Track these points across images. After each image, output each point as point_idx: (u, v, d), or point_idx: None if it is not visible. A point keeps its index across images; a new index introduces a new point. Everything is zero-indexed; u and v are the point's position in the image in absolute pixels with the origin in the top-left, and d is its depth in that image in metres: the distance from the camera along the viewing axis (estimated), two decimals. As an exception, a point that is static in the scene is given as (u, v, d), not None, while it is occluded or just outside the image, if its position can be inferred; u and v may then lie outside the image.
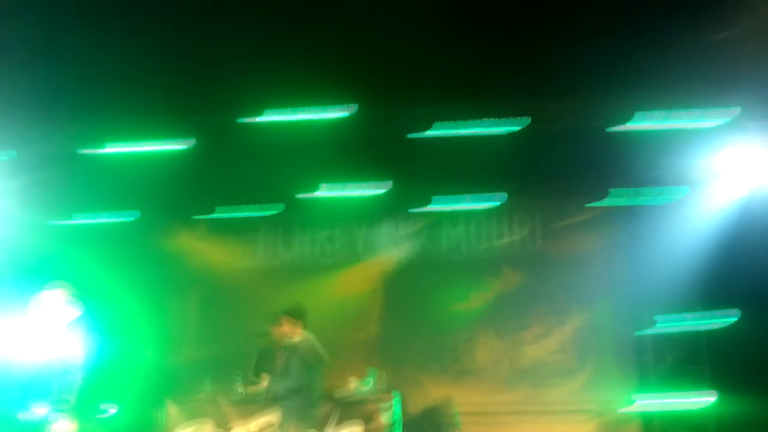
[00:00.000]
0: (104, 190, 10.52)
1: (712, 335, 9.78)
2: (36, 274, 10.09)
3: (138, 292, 10.62)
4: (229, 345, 10.58)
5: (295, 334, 7.46)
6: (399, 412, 7.54)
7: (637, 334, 10.43)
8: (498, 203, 11.12)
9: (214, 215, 11.54)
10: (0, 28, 8.01)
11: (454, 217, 11.45)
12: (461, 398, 9.92)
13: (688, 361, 9.88)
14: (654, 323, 10.16)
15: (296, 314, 7.59)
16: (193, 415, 7.49)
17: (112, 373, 9.14)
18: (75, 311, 6.18)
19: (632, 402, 10.23)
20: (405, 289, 11.29)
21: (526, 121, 9.32)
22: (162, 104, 9.61)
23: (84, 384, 6.08)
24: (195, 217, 11.62)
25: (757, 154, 9.23)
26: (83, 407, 6.47)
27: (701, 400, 9.52)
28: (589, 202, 11.01)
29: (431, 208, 11.28)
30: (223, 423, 7.42)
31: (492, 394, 10.71)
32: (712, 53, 8.19)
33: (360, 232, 11.66)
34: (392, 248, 11.51)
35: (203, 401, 7.58)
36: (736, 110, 8.93)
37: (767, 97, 8.78)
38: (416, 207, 11.35)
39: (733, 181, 9.71)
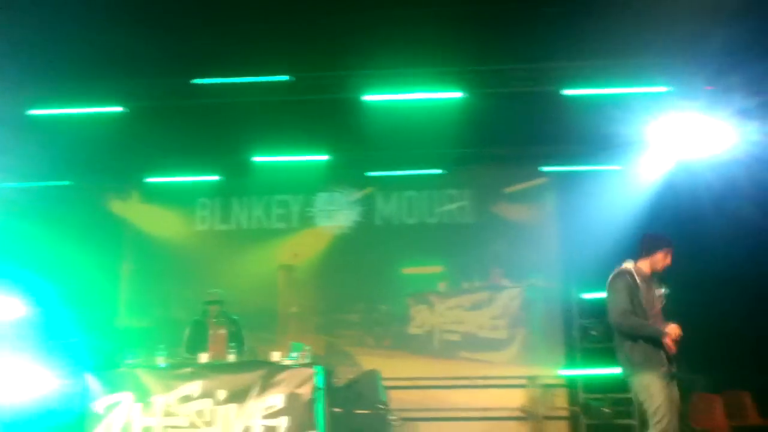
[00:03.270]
0: (40, 154, 10.06)
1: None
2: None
3: (72, 258, 10.11)
4: (160, 314, 10.45)
5: None
6: (323, 384, 7.35)
7: (568, 305, 10.26)
8: (442, 169, 10.98)
9: (153, 180, 11.17)
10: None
11: (396, 184, 11.13)
12: (393, 369, 9.67)
13: (611, 333, 9.78)
14: (583, 296, 9.96)
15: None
16: (113, 387, 7.27)
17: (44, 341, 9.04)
18: None
19: (562, 372, 10.12)
20: (342, 259, 11.01)
21: (467, 85, 9.18)
22: (100, 67, 9.31)
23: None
24: (132, 182, 11.22)
25: (690, 123, 9.04)
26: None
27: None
28: (530, 169, 10.88)
29: (374, 174, 11.04)
30: (142, 395, 7.22)
31: (424, 365, 10.46)
32: (657, 21, 8.02)
33: (303, 199, 11.24)
34: (335, 215, 11.13)
35: (125, 373, 7.36)
36: (671, 77, 8.83)
37: (702, 66, 8.71)
38: (361, 173, 11.08)
39: (667, 150, 9.56)
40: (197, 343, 8.00)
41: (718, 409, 8.84)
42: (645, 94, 8.93)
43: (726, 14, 7.49)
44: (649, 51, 8.61)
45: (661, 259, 5.79)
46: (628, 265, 5.78)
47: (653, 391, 5.35)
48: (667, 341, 5.40)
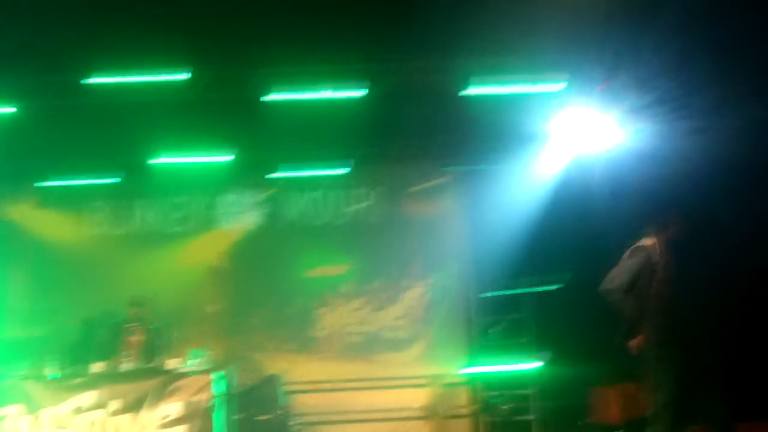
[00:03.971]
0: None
1: (538, 304, 9.80)
2: None
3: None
4: (55, 323, 9.92)
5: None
6: (225, 388, 7.27)
7: (468, 303, 10.40)
8: (346, 169, 10.93)
9: (50, 184, 10.74)
10: None
11: (301, 183, 11.03)
12: (296, 373, 9.67)
13: (516, 329, 9.84)
14: (486, 292, 10.10)
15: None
16: (1, 400, 7.02)
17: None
18: None
19: (463, 370, 10.18)
20: (242, 263, 10.90)
21: (369, 83, 9.19)
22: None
23: None
24: (25, 186, 10.76)
25: (585, 120, 9.36)
26: None
27: (527, 367, 9.56)
28: (432, 168, 11.00)
29: (279, 174, 10.88)
30: (33, 408, 6.99)
31: (328, 367, 10.44)
32: (553, 19, 8.23)
33: (205, 200, 11.03)
34: (238, 217, 10.98)
35: (13, 385, 7.11)
36: (567, 75, 9.03)
37: (595, 65, 8.98)
38: (264, 174, 10.91)
39: (564, 147, 9.83)
40: (110, 347, 7.82)
41: (612, 402, 9.15)
42: (542, 93, 9.19)
43: (618, 14, 7.77)
44: (546, 48, 8.84)
45: (673, 232, 5.88)
46: (647, 241, 5.86)
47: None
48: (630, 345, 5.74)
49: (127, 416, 6.83)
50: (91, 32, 8.26)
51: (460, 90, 9.11)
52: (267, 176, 10.92)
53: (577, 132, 9.49)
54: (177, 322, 10.01)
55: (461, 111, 9.44)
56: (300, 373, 9.84)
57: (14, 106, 9.07)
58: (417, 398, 10.09)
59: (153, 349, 7.96)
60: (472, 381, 10.07)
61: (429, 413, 10.02)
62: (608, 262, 9.63)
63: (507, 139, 10.13)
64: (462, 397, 10.17)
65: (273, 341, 10.60)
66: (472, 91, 9.09)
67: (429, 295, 10.72)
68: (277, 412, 7.88)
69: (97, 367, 7.14)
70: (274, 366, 9.88)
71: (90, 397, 6.89)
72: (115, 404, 6.88)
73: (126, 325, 8.08)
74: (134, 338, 7.94)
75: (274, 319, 10.68)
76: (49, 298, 10.38)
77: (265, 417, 7.81)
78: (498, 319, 9.75)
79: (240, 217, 10.98)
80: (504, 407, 9.35)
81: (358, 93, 9.05)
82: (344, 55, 8.89)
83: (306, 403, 9.61)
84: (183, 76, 8.84)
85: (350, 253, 10.91)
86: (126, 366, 7.22)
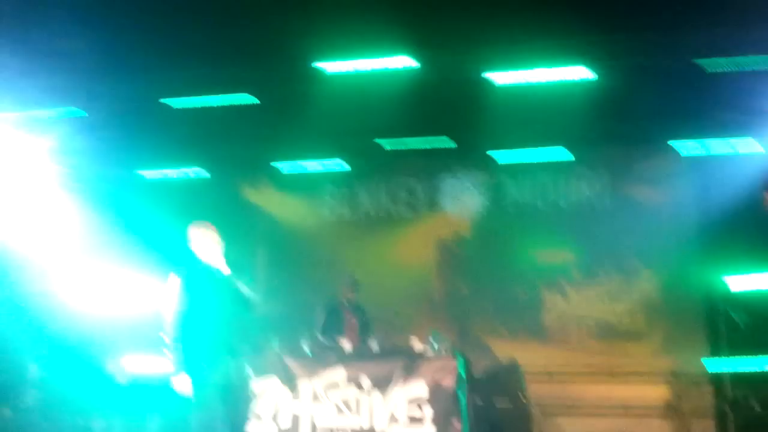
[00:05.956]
0: (170, 145, 10.50)
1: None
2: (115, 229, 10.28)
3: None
4: (296, 301, 10.46)
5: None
6: (464, 374, 7.29)
7: (710, 295, 9.80)
8: (571, 152, 10.67)
9: (285, 168, 11.38)
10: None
11: (527, 166, 10.88)
12: (527, 360, 9.31)
13: (762, 322, 9.22)
14: (726, 283, 9.47)
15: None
16: (259, 372, 7.43)
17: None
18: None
19: (704, 365, 9.69)
20: (471, 246, 11.01)
21: (596, 61, 8.92)
22: (225, 55, 9.47)
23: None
24: (265, 170, 11.47)
25: None
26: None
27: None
28: (664, 148, 10.36)
29: (499, 160, 10.85)
30: (288, 380, 7.34)
31: (560, 355, 10.30)
32: None
33: (432, 184, 11.21)
34: (464, 200, 11.07)
35: (269, 359, 7.49)
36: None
37: None
38: (489, 156, 10.90)
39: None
40: (331, 327, 8.16)
41: None
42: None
43: None
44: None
45: None
46: None
47: None
48: None
49: (378, 394, 6.99)
50: (319, 21, 8.53)
51: (694, 61, 8.60)
52: (493, 159, 10.85)
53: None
54: (408, 304, 10.33)
55: (693, 87, 8.90)
56: (532, 361, 9.62)
57: (251, 95, 9.56)
58: (657, 393, 9.72)
59: (368, 329, 8.32)
60: (717, 377, 9.54)
61: (670, 411, 9.62)
62: None
63: (746, 117, 9.46)
64: (707, 395, 9.68)
65: (502, 326, 10.60)
66: (708, 61, 8.55)
67: (665, 284, 10.24)
68: (519, 400, 7.79)
69: (346, 343, 7.38)
70: (504, 351, 9.88)
71: (342, 373, 7.10)
72: (365, 382, 7.05)
73: (343, 305, 8.48)
74: (353, 319, 8.30)
75: (504, 304, 10.66)
76: (287, 277, 11.03)
77: (507, 405, 7.75)
78: (747, 313, 9.09)
79: (466, 200, 11.04)
80: (756, 407, 8.71)
81: (583, 72, 8.79)
82: (567, 32, 8.65)
83: (539, 392, 9.37)
84: (407, 60, 8.97)
85: (579, 238, 10.62)
86: (373, 345, 7.39)
